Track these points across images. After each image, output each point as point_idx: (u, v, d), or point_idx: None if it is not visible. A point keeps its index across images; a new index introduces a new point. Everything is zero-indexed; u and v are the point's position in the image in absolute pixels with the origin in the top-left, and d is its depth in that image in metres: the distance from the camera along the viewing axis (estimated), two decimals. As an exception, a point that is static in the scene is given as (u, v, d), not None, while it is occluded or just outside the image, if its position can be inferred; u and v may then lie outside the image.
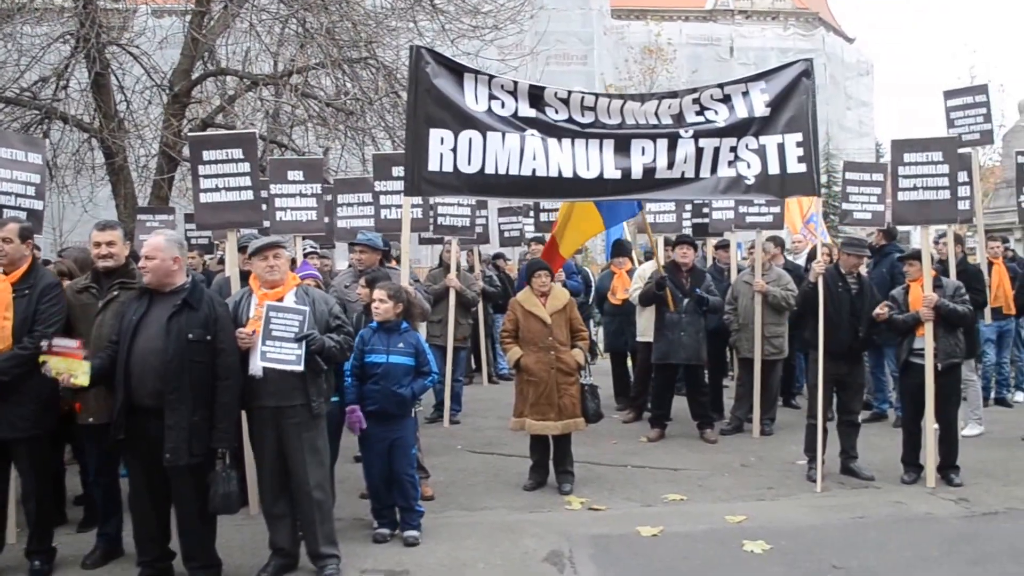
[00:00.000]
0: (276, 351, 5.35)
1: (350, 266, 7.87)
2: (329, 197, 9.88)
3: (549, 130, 7.18)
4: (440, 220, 10.36)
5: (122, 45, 12.95)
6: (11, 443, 5.63)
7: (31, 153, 7.01)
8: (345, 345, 5.69)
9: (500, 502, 7.21)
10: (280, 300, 5.53)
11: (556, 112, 7.24)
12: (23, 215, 6.69)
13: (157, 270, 5.28)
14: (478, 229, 11.74)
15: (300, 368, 5.36)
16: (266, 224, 8.14)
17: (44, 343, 5.36)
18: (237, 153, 6.98)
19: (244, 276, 6.84)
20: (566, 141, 7.20)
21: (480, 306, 11.67)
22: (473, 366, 12.85)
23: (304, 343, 5.37)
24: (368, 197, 9.47)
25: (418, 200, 7.96)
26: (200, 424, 5.17)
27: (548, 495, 7.37)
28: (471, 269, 11.83)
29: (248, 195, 6.97)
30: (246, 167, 6.97)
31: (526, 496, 7.36)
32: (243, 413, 5.63)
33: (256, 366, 5.42)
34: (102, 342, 5.49)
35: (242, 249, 7.21)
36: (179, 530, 5.46)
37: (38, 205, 6.92)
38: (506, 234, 13.64)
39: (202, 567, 5.44)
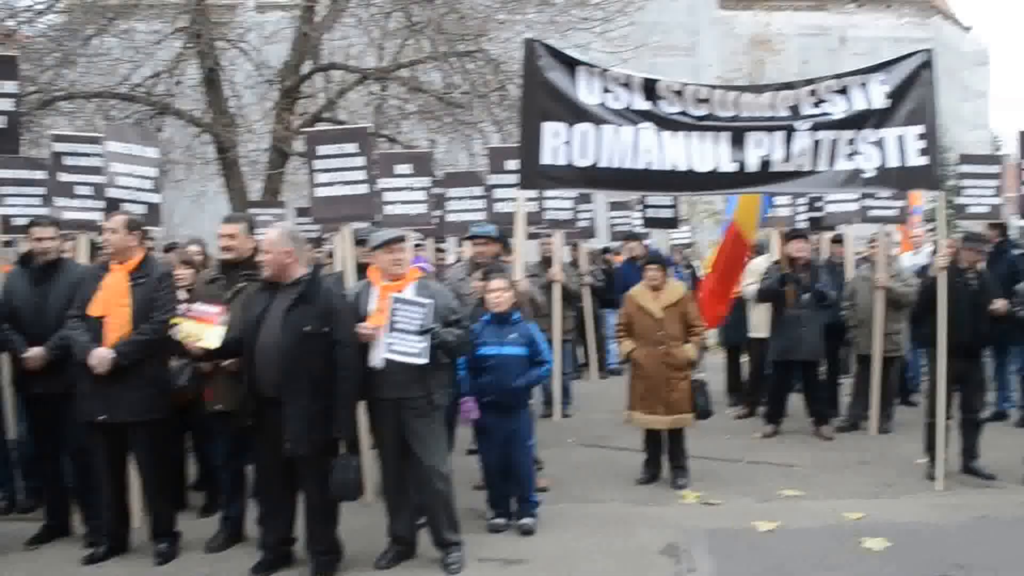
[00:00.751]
0: (401, 343, 5.42)
1: (457, 260, 7.91)
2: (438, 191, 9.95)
3: (663, 123, 7.10)
4: (544, 214, 10.34)
5: (231, 41, 13.24)
6: (129, 427, 5.82)
7: (147, 148, 7.21)
8: (464, 339, 5.73)
9: (614, 495, 7.18)
10: (400, 292, 5.59)
11: (670, 105, 7.15)
12: (141, 208, 6.89)
13: (272, 264, 5.42)
14: (583, 223, 11.71)
15: (424, 361, 5.42)
16: (377, 218, 8.26)
17: (184, 306, 5.58)
18: (351, 147, 7.10)
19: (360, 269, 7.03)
20: (680, 134, 7.12)
21: (587, 300, 11.62)
22: (582, 360, 12.81)
23: (428, 336, 5.43)
24: (478, 191, 9.51)
25: (532, 193, 7.97)
26: (319, 414, 5.27)
27: (662, 489, 7.33)
28: (575, 264, 11.78)
29: (362, 189, 7.08)
30: (360, 161, 7.08)
31: (640, 490, 7.33)
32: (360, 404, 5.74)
33: (378, 358, 5.49)
34: (230, 331, 5.65)
35: (359, 242, 7.37)
36: (304, 515, 5.58)
37: (155, 198, 7.11)
38: (616, 228, 13.54)
39: (323, 552, 5.55)
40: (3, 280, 6.55)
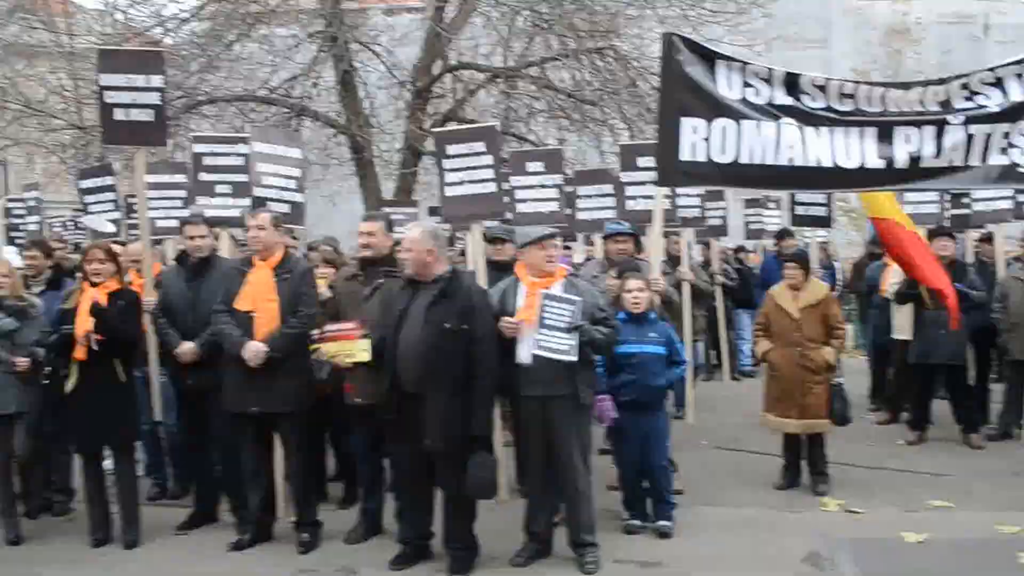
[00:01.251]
0: (549, 340, 5.39)
1: (588, 259, 7.85)
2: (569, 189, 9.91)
3: (806, 118, 6.87)
4: (674, 212, 10.17)
5: (364, 43, 13.49)
6: (278, 418, 6.01)
7: (291, 148, 7.42)
8: (612, 337, 5.68)
9: (751, 499, 7.01)
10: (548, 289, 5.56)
11: (813, 100, 6.91)
12: (285, 207, 7.07)
13: (414, 262, 5.49)
14: (714, 221, 11.49)
15: (574, 358, 5.39)
16: (508, 216, 8.27)
17: (315, 332, 5.74)
18: (479, 146, 7.11)
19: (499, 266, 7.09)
20: (824, 130, 6.87)
21: (719, 300, 11.40)
22: (714, 362, 12.59)
23: (576, 333, 5.39)
24: (608, 188, 9.42)
25: (668, 190, 7.85)
26: (458, 410, 5.30)
27: (802, 495, 7.11)
28: (706, 263, 11.57)
29: (491, 187, 7.08)
30: (488, 160, 7.08)
31: (778, 495, 7.14)
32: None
33: (526, 354, 5.49)
34: (369, 327, 5.73)
35: (492, 240, 7.42)
36: (442, 511, 5.64)
37: (299, 198, 7.29)
38: (750, 226, 13.26)
39: (460, 548, 5.58)
40: (145, 279, 6.82)
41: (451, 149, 7.16)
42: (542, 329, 5.40)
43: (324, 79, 13.26)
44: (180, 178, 8.44)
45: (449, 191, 7.17)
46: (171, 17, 12.72)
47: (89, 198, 9.35)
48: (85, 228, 10.06)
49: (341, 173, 14.49)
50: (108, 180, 9.35)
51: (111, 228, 8.84)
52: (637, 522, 6.28)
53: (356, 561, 5.86)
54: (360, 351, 5.59)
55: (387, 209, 11.24)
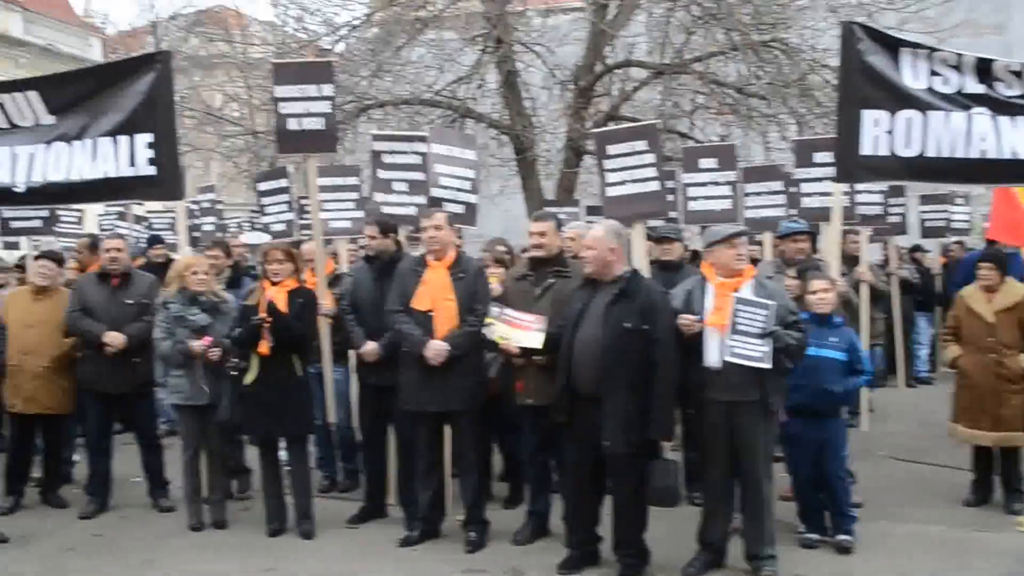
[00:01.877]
0: (742, 346, 5.20)
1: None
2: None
3: (1000, 107, 6.44)
4: (854, 209, 9.73)
5: (526, 44, 13.51)
6: (452, 416, 6.05)
7: (466, 150, 7.48)
8: (803, 342, 5.40)
9: (937, 516, 6.57)
10: (737, 291, 5.37)
11: (1008, 87, 6.47)
12: (460, 208, 7.12)
13: (596, 260, 5.40)
14: (894, 218, 10.94)
15: (767, 365, 5.18)
16: (672, 214, 8.08)
17: (496, 309, 5.75)
18: (641, 145, 6.95)
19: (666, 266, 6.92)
20: (1020, 119, 6.44)
21: (896, 301, 10.86)
22: (885, 367, 12.00)
23: (770, 339, 5.19)
24: (777, 185, 9.11)
25: (846, 187, 7.52)
26: (637, 413, 5.18)
27: (993, 514, 6.62)
28: (884, 263, 11.04)
29: (653, 186, 6.92)
30: (650, 158, 6.93)
31: (966, 512, 6.68)
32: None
33: (714, 357, 5.31)
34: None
35: (659, 240, 7.29)
36: (613, 516, 5.52)
37: (473, 199, 7.34)
38: (927, 224, 12.62)
39: (631, 555, 5.46)
40: (318, 279, 7.01)
41: (611, 148, 7.04)
42: (734, 335, 5.20)
43: (489, 81, 13.32)
44: (352, 180, 8.66)
45: (610, 191, 7.06)
46: (343, 25, 13.09)
47: (265, 200, 9.71)
48: (261, 228, 10.44)
49: (501, 173, 14.56)
50: (283, 183, 9.68)
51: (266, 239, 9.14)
52: (815, 536, 5.98)
53: (523, 562, 5.82)
54: (531, 340, 5.60)
55: (549, 209, 11.22)
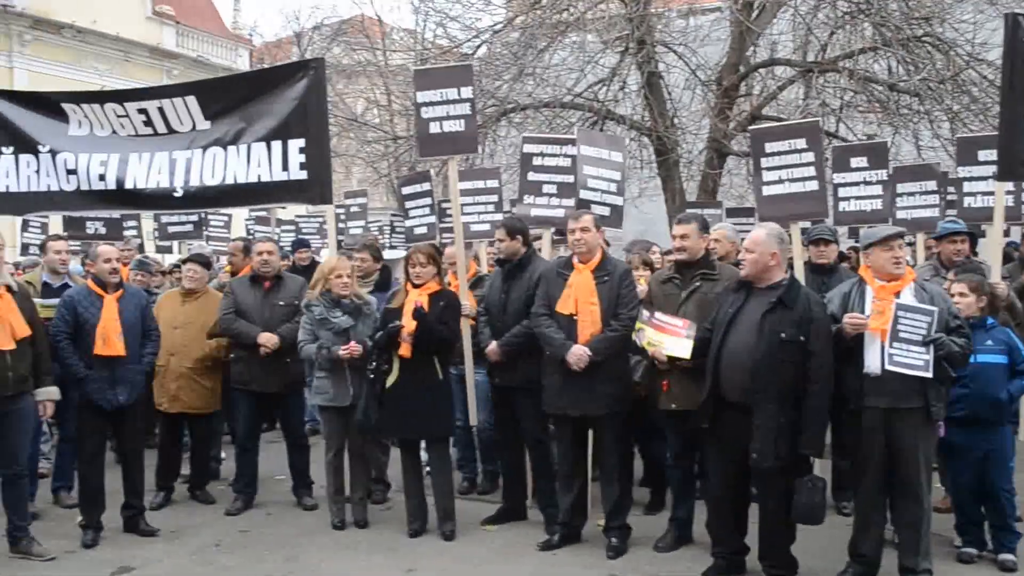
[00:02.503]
0: (904, 354, 4.96)
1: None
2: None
3: None
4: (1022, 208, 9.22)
5: (667, 44, 13.34)
6: (595, 421, 6.00)
7: (613, 151, 7.41)
8: (967, 349, 5.12)
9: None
10: (898, 295, 5.14)
11: None
12: (605, 210, 7.07)
13: (755, 264, 5.26)
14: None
15: (929, 374, 4.95)
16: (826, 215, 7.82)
17: (646, 312, 5.69)
18: (800, 143, 6.77)
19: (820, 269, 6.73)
20: None
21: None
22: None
23: (932, 347, 4.95)
24: (931, 184, 8.71)
25: (1010, 186, 7.13)
26: (787, 427, 5.02)
27: None
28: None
29: (812, 186, 6.72)
30: (810, 157, 6.73)
31: None
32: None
33: (874, 363, 5.08)
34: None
35: (814, 242, 7.08)
36: (760, 528, 5.37)
37: (619, 201, 7.28)
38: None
39: (778, 568, 5.31)
40: (460, 282, 7.10)
41: (769, 147, 6.87)
42: (895, 343, 4.97)
43: (630, 82, 13.23)
44: (492, 183, 8.71)
45: (767, 190, 6.88)
46: (484, 29, 13.23)
47: (409, 203, 9.85)
48: (403, 231, 10.62)
49: (641, 175, 14.43)
50: (426, 186, 9.82)
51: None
52: (973, 550, 5.68)
53: (665, 570, 5.73)
54: (675, 347, 5.50)
55: (690, 211, 11.03)
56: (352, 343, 6.43)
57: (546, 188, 7.40)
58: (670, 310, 5.78)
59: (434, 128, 7.16)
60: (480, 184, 8.64)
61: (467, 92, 7.18)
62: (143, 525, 6.56)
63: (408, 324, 6.14)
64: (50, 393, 6.14)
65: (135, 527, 6.54)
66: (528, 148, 7.59)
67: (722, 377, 5.23)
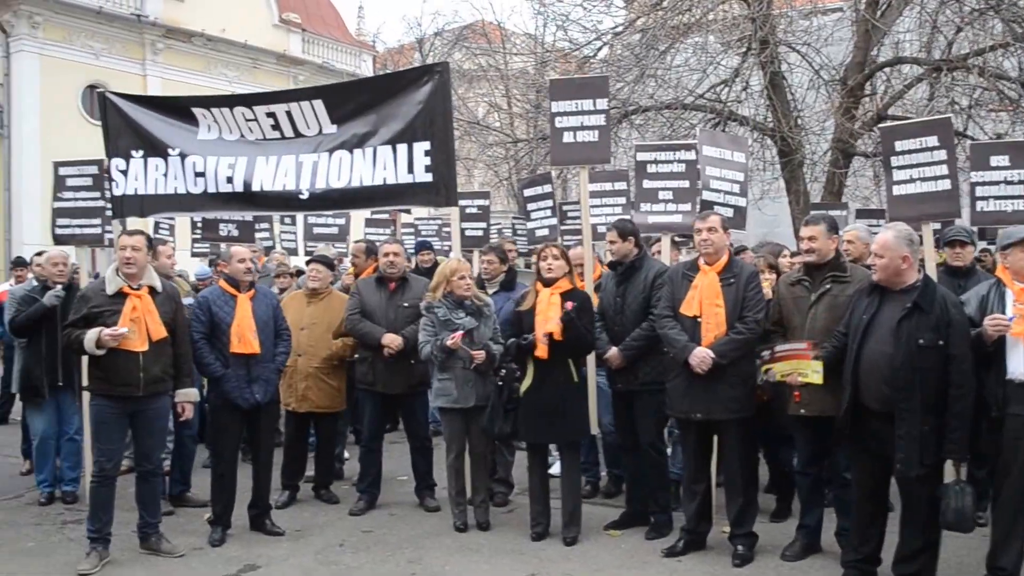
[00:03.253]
0: None
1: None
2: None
3: None
4: None
5: (790, 44, 13.05)
6: (720, 424, 5.89)
7: (736, 152, 7.33)
8: None
9: None
10: None
11: None
12: (729, 212, 6.99)
13: (885, 268, 5.10)
14: None
15: None
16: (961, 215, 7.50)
17: (765, 352, 5.64)
18: (931, 141, 6.49)
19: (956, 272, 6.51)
20: None
21: None
22: None
23: None
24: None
25: None
26: (930, 434, 4.85)
27: None
28: None
29: (945, 185, 6.44)
30: (942, 155, 6.46)
31: None
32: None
33: (1018, 370, 4.88)
34: (816, 334, 5.52)
35: (950, 243, 6.92)
36: (902, 538, 5.20)
37: (742, 202, 7.20)
38: None
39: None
40: (585, 284, 7.01)
41: (900, 145, 6.62)
42: None
43: (750, 83, 12.98)
44: (620, 185, 8.66)
45: (898, 190, 6.63)
46: (605, 32, 13.18)
47: (531, 206, 9.90)
48: (524, 233, 10.65)
49: (763, 177, 14.16)
50: (547, 188, 9.85)
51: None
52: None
53: (793, 581, 5.59)
54: (813, 372, 5.40)
55: (816, 213, 10.75)
56: (458, 332, 6.41)
57: (662, 195, 7.33)
58: (799, 313, 5.68)
59: (567, 138, 7.19)
60: (608, 186, 8.61)
61: (602, 104, 7.20)
62: (269, 524, 6.69)
63: (544, 324, 6.13)
64: (188, 395, 6.26)
65: (261, 526, 6.68)
66: (642, 156, 7.53)
67: (861, 384, 5.08)
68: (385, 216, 12.85)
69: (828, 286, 5.68)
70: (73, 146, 11.79)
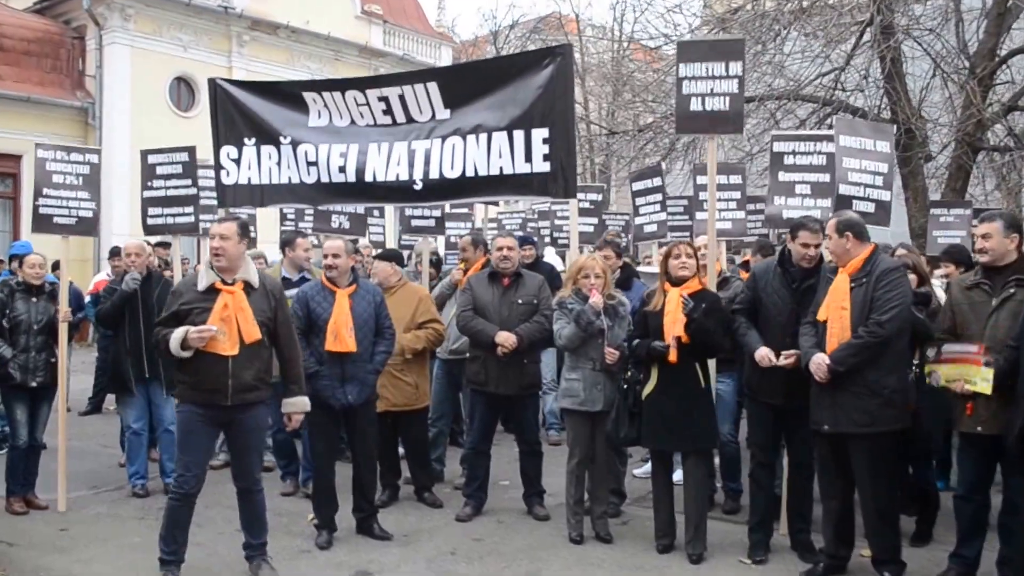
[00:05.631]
0: None
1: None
2: None
3: None
4: None
5: (909, 32, 12.37)
6: (851, 438, 5.33)
7: (879, 141, 6.70)
8: None
9: None
10: None
11: None
12: (869, 206, 6.44)
13: None
14: None
15: None
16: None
17: (931, 351, 5.13)
18: None
19: None
20: None
21: None
22: None
23: None
24: None
25: None
26: None
27: None
28: None
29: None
30: None
31: None
32: None
33: None
34: (997, 343, 4.98)
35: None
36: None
37: (885, 196, 6.59)
38: None
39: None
40: (707, 280, 6.53)
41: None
42: None
43: (867, 72, 12.33)
44: (736, 179, 8.18)
45: None
46: (718, 16, 12.68)
47: (639, 200, 9.47)
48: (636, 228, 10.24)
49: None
50: (656, 181, 9.39)
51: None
52: None
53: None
54: (982, 380, 4.88)
55: (936, 210, 10.16)
56: (609, 351, 6.05)
57: (799, 188, 6.80)
58: (977, 320, 5.16)
59: (695, 105, 6.59)
60: (723, 180, 8.10)
61: (736, 68, 6.57)
62: (377, 529, 6.40)
63: (672, 327, 5.73)
64: (296, 404, 5.66)
65: (368, 530, 6.40)
66: (778, 147, 6.95)
67: None
68: (465, 210, 12.41)
69: (1012, 291, 5.12)
70: (161, 138, 11.76)
